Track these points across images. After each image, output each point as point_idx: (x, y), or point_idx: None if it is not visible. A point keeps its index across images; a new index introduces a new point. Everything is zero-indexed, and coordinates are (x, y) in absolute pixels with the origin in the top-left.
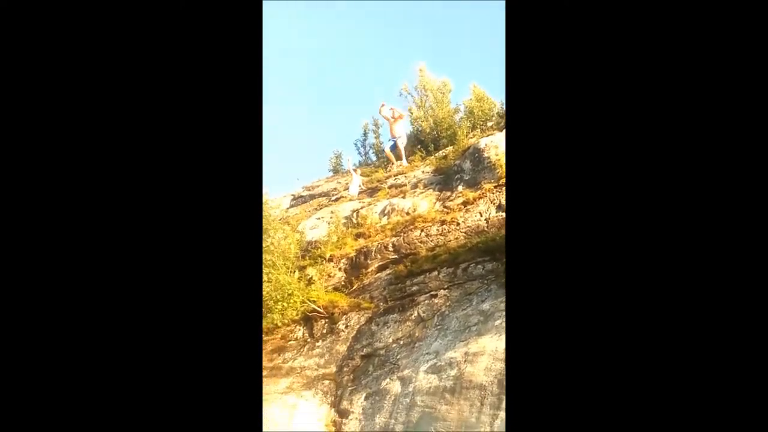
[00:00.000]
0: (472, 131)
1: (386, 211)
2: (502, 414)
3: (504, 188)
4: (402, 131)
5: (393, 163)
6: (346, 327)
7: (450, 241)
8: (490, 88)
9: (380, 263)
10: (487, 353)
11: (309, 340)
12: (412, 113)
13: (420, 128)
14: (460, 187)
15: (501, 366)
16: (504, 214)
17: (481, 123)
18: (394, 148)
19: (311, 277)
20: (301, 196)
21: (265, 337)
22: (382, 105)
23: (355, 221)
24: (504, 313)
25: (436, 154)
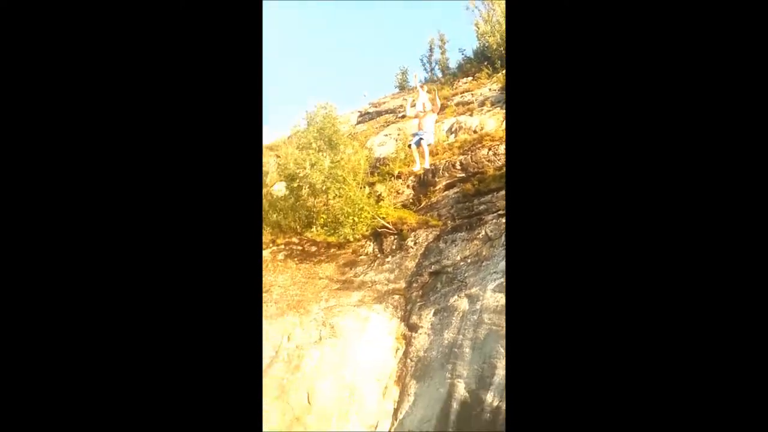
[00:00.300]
0: None
1: (453, 129)
2: None
3: None
4: (431, 126)
5: (416, 163)
6: (415, 244)
7: None
8: None
9: (448, 181)
10: None
11: (379, 255)
12: (479, 28)
13: (486, 44)
14: None
15: None
16: None
17: None
18: (419, 144)
19: (380, 194)
20: (368, 113)
21: (336, 251)
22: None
23: None
24: None
25: (504, 71)
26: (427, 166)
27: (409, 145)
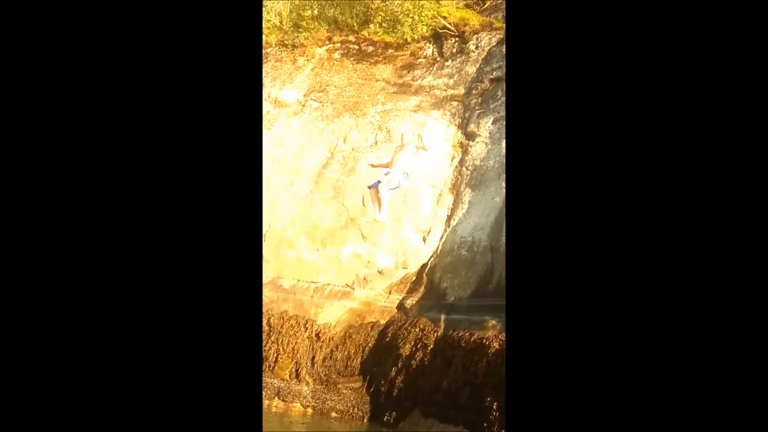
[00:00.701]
0: None
1: None
2: None
3: None
4: (404, 164)
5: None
6: (477, 48)
7: None
8: None
9: None
10: None
11: (438, 59)
12: None
13: None
14: None
15: None
16: None
17: None
18: (376, 187)
19: None
20: None
21: (394, 52)
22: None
23: None
24: None
25: None
26: (383, 218)
27: (370, 187)
